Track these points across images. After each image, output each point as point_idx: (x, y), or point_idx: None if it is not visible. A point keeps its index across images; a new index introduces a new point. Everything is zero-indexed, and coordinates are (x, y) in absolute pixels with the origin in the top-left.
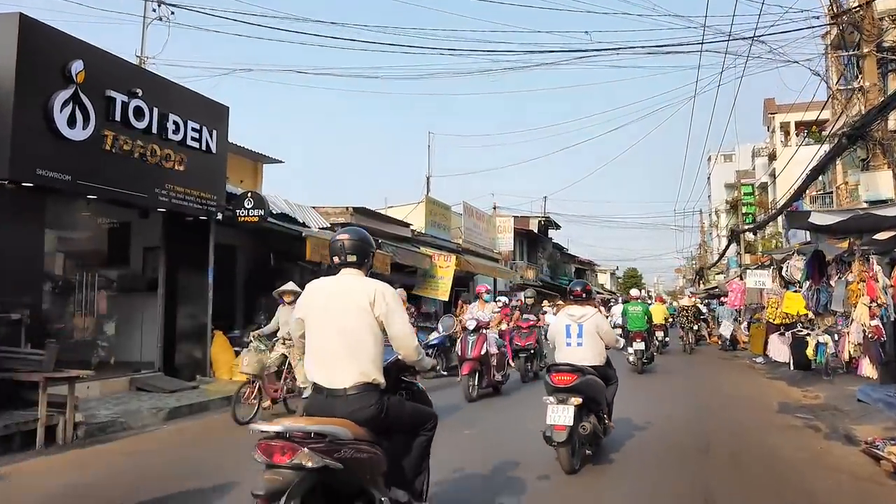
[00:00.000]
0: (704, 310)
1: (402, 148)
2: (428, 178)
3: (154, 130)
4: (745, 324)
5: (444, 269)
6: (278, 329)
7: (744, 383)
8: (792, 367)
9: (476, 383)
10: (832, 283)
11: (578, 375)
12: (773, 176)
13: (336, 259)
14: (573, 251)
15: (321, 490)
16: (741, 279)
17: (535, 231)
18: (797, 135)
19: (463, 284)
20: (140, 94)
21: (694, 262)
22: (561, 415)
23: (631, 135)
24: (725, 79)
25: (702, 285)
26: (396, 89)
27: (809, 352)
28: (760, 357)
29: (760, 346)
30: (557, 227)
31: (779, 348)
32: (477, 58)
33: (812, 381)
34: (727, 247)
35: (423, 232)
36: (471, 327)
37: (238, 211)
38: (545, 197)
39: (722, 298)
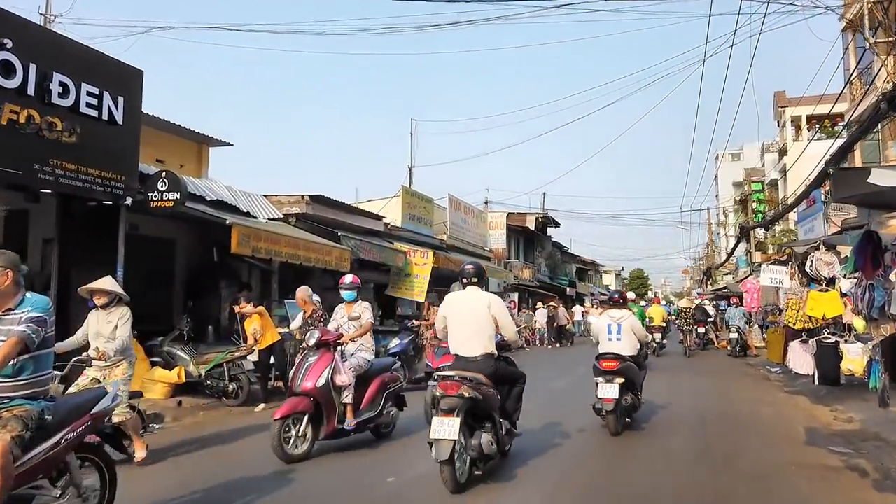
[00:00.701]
0: (712, 311)
1: (379, 138)
2: (410, 169)
3: (31, 92)
4: (756, 326)
5: (421, 267)
6: (86, 345)
7: (758, 397)
8: (816, 382)
9: (302, 433)
10: (892, 277)
11: (620, 362)
12: (783, 172)
13: (465, 280)
14: (575, 251)
15: (469, 412)
16: (755, 278)
17: (533, 229)
18: (809, 129)
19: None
20: (8, 46)
21: (701, 262)
22: (608, 390)
23: (632, 113)
24: (737, 55)
25: (709, 286)
26: (348, 49)
27: (851, 366)
28: (777, 366)
29: (779, 353)
30: (556, 224)
31: (800, 358)
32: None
33: (840, 398)
34: (736, 245)
35: (398, 226)
36: (311, 341)
37: (151, 194)
38: (544, 193)
39: (732, 299)
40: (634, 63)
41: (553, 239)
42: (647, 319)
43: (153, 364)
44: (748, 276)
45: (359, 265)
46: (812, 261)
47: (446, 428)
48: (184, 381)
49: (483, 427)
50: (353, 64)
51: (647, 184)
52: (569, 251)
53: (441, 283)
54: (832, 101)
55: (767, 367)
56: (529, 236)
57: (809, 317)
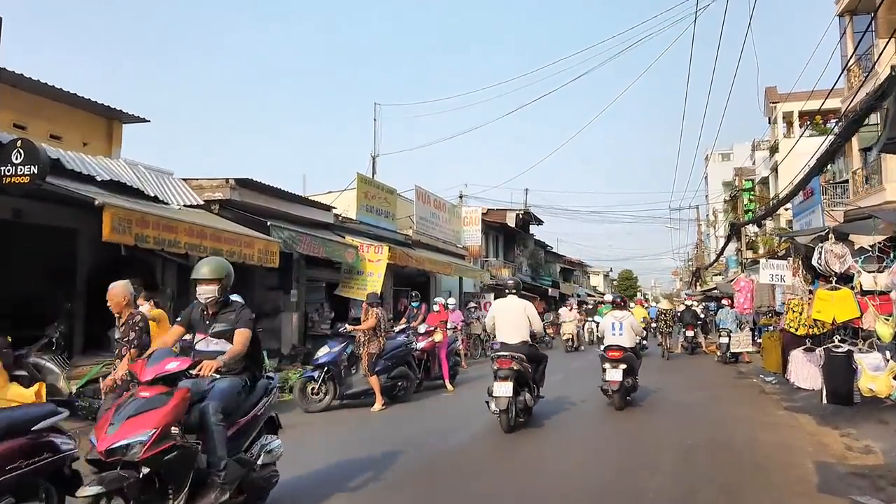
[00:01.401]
0: (702, 313)
1: (337, 124)
2: (374, 158)
3: None
4: (747, 330)
5: (375, 264)
6: None
7: (753, 416)
8: (824, 400)
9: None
10: None
11: (623, 352)
12: (774, 170)
13: (507, 291)
14: (562, 251)
15: (516, 379)
16: (748, 276)
17: (513, 226)
18: (801, 125)
19: (421, 286)
20: None
21: (690, 262)
22: (615, 375)
23: (608, 88)
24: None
25: (698, 287)
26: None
27: (873, 385)
28: (773, 376)
29: (775, 362)
30: (539, 222)
31: (804, 370)
32: None
33: (851, 418)
34: (726, 243)
35: (351, 218)
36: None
37: (2, 168)
38: (526, 189)
39: (723, 301)
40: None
41: (536, 237)
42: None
43: (13, 378)
44: (741, 275)
45: (307, 262)
46: (821, 253)
47: (503, 389)
48: (44, 399)
49: (524, 389)
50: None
51: (636, 181)
52: (553, 251)
53: (406, 282)
54: (825, 97)
55: (762, 377)
56: (510, 234)
57: (815, 320)
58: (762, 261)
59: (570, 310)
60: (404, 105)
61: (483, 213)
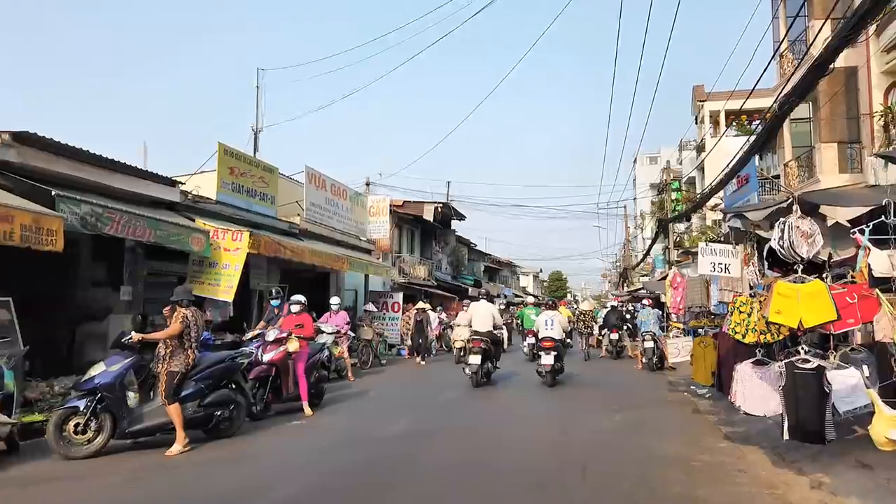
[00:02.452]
0: (628, 314)
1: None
2: (256, 133)
3: None
4: (675, 332)
5: (232, 254)
6: None
7: (687, 453)
8: (786, 435)
9: None
10: None
11: (554, 343)
12: (701, 169)
13: (480, 296)
14: (491, 250)
15: (483, 354)
16: (685, 269)
17: (431, 220)
18: (728, 125)
19: (317, 284)
20: None
21: (618, 263)
22: (548, 359)
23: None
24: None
25: (625, 287)
26: None
27: (891, 430)
28: (706, 388)
29: (706, 374)
30: (461, 216)
31: (754, 390)
32: None
33: (818, 457)
34: (654, 240)
35: (209, 197)
36: None
37: None
38: (448, 182)
39: (643, 300)
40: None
41: (460, 235)
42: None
43: None
44: (675, 270)
45: (148, 252)
46: (784, 231)
47: (475, 359)
48: None
49: (488, 361)
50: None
51: (566, 178)
52: (477, 248)
53: (297, 279)
54: (756, 96)
55: (694, 389)
56: (428, 229)
57: (771, 325)
58: (700, 245)
59: (465, 311)
60: (291, 68)
61: (398, 206)
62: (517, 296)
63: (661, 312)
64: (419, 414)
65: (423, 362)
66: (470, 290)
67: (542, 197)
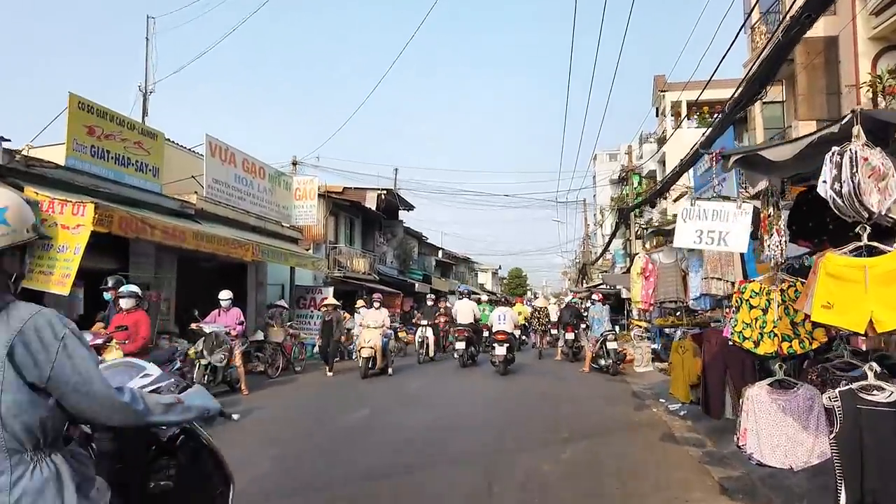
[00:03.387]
0: (586, 312)
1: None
2: (145, 94)
3: None
4: (634, 331)
5: (71, 233)
6: None
7: None
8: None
9: None
10: None
11: (507, 335)
12: (662, 163)
13: (465, 295)
14: (448, 246)
15: (467, 341)
16: (651, 258)
17: (374, 208)
18: (689, 117)
19: (234, 279)
20: None
21: (577, 260)
22: (500, 350)
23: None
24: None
25: (584, 283)
26: None
27: None
28: (680, 405)
29: (684, 387)
30: (409, 206)
31: (775, 430)
32: None
33: None
34: (613, 234)
35: (46, 161)
36: None
37: None
38: (396, 169)
39: (593, 296)
40: None
41: (414, 228)
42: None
43: None
44: (648, 254)
45: None
46: (846, 166)
47: (461, 345)
48: None
49: (472, 346)
50: None
51: (525, 166)
52: (429, 241)
53: (188, 270)
54: (719, 87)
55: (664, 403)
56: (371, 218)
57: (815, 326)
58: (683, 206)
59: (378, 308)
60: (184, 9)
61: (336, 192)
62: (473, 293)
63: (609, 308)
64: (287, 459)
65: (330, 373)
66: (417, 285)
67: (501, 183)
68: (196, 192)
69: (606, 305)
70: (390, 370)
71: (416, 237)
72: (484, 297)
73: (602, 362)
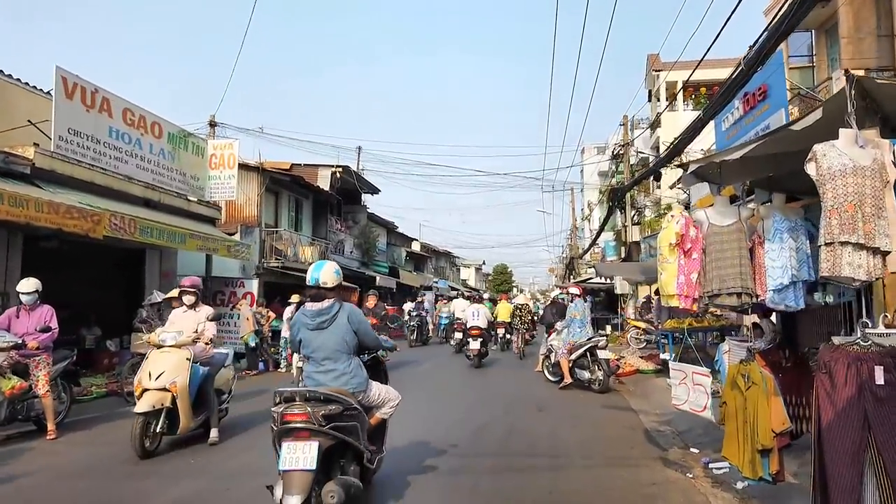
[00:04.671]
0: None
1: None
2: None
3: None
4: (631, 333)
5: None
6: None
7: None
8: None
9: None
10: None
11: (481, 331)
12: (656, 148)
13: (463, 296)
14: (430, 240)
15: (482, 341)
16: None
17: (327, 188)
18: (685, 100)
19: (130, 267)
20: None
21: (564, 255)
22: (475, 345)
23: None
24: None
25: (572, 279)
26: None
27: None
28: (725, 463)
29: (748, 454)
30: (374, 189)
31: None
32: None
33: None
34: (604, 223)
35: None
36: None
37: None
38: (359, 147)
39: (571, 289)
40: None
41: (374, 213)
42: (494, 315)
43: None
44: (683, 213)
45: None
46: None
47: (476, 343)
48: None
49: (485, 346)
50: None
51: (511, 141)
52: (398, 230)
53: (110, 253)
54: (716, 66)
55: (695, 451)
56: (323, 200)
57: None
58: None
59: (195, 309)
60: None
61: (283, 169)
62: (453, 288)
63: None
64: None
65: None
66: (378, 278)
67: (483, 163)
68: (37, 144)
69: (588, 301)
70: (214, 434)
71: (385, 226)
72: (463, 295)
73: (588, 375)
